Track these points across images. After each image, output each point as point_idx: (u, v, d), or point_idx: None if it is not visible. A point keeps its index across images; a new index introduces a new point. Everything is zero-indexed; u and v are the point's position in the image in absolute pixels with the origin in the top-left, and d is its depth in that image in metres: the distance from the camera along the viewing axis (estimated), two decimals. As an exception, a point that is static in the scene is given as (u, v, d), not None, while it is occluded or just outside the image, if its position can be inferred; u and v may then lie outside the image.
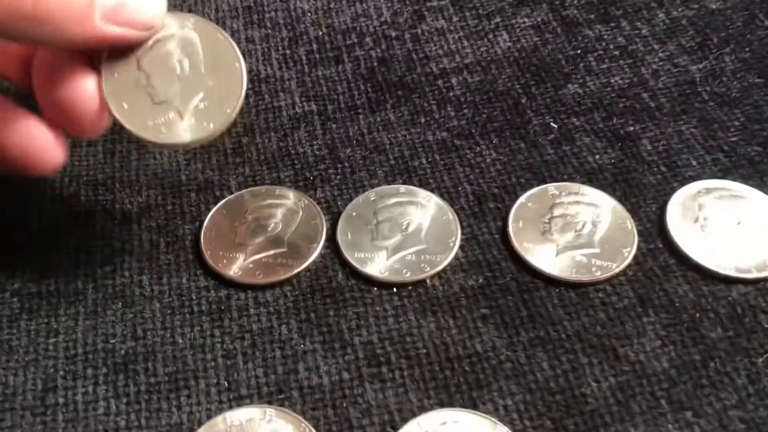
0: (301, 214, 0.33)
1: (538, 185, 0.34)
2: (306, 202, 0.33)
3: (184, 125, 0.27)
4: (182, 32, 0.28)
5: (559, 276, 0.31)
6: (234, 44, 0.28)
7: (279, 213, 0.33)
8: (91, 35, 0.25)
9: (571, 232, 0.32)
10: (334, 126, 0.37)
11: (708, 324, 0.30)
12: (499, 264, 0.32)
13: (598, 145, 0.36)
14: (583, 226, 0.32)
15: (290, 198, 0.33)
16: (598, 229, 0.32)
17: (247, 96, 0.36)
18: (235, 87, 0.27)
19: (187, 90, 0.27)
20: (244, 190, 0.34)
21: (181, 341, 0.30)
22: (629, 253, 0.31)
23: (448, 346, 0.29)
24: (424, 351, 0.29)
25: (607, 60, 0.39)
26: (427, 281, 0.31)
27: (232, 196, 0.34)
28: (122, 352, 0.30)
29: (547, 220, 0.33)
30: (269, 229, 0.33)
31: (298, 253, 0.32)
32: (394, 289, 0.31)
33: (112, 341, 0.30)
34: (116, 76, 0.27)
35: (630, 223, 0.32)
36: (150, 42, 0.27)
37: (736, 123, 0.36)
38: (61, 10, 0.24)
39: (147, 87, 0.27)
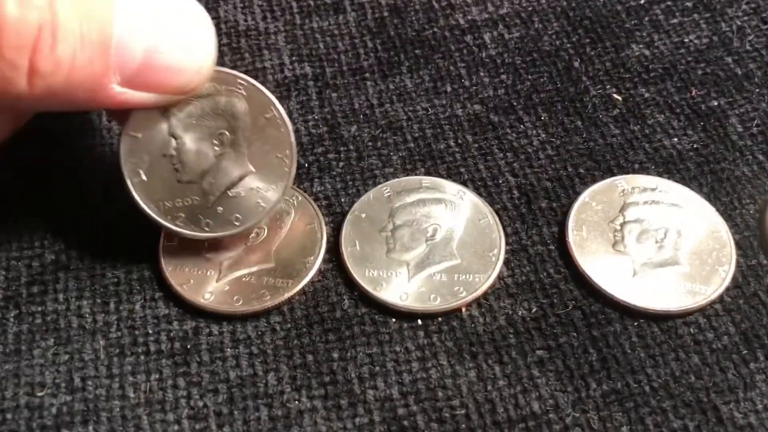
0: (293, 215, 0.25)
1: (602, 177, 0.26)
2: (299, 198, 0.25)
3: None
4: (228, 97, 0.22)
5: (639, 306, 0.23)
6: (289, 124, 0.22)
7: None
8: (107, 103, 0.20)
9: (651, 242, 0.24)
10: (334, 95, 0.29)
11: (835, 372, 0.22)
12: (557, 287, 0.24)
13: (675, 123, 0.28)
14: (666, 234, 0.25)
15: (276, 192, 0.25)
16: (684, 239, 0.25)
17: (221, 55, 0.27)
18: (279, 180, 0.22)
19: (224, 173, 0.22)
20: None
21: (132, 395, 0.22)
22: (727, 273, 0.24)
23: (494, 405, 0.22)
24: (463, 412, 0.22)
25: (678, 13, 0.31)
26: (463, 311, 0.24)
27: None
28: (53, 410, 0.22)
29: (618, 227, 0.25)
30: (250, 236, 0.24)
31: (290, 269, 0.24)
32: (419, 322, 0.23)
33: (40, 394, 0.22)
34: (139, 135, 0.22)
35: (725, 232, 0.25)
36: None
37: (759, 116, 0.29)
38: (64, 84, 0.19)
39: (174, 159, 0.22)
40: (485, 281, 0.24)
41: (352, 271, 0.24)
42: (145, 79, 0.20)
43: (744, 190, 0.26)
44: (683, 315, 0.23)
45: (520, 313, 0.23)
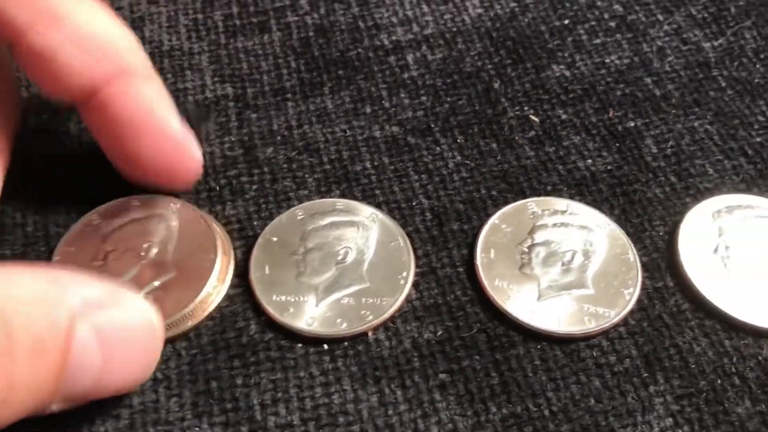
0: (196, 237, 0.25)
1: (514, 199, 0.26)
2: (203, 222, 0.25)
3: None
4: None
5: (542, 329, 0.24)
6: (218, 238, 0.25)
7: (159, 233, 0.25)
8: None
9: (557, 265, 0.25)
10: (253, 116, 0.29)
11: (733, 394, 0.23)
12: (463, 309, 0.24)
13: (590, 145, 0.28)
14: (573, 257, 0.25)
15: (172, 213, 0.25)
16: (591, 261, 0.25)
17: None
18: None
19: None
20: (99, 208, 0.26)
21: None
22: (632, 296, 0.24)
23: (394, 430, 0.22)
24: (362, 438, 0.22)
25: (601, 33, 0.32)
26: (369, 335, 0.24)
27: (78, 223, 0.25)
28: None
29: (526, 249, 0.25)
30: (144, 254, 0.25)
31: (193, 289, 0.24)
32: (325, 346, 0.23)
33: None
34: (72, 249, 0.25)
35: (632, 254, 0.25)
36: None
37: (761, 118, 0.29)
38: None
39: (103, 263, 0.24)
40: (393, 304, 0.24)
41: (260, 297, 0.24)
42: (89, 397, 0.20)
43: (655, 212, 0.26)
44: (586, 338, 0.24)
45: (425, 336, 0.24)
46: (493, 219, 0.26)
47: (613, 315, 0.24)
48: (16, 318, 0.17)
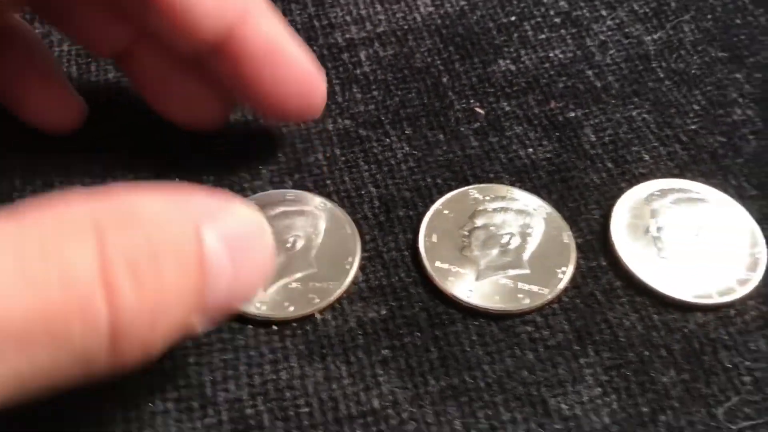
0: None
1: (457, 187, 0.28)
2: None
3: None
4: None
5: (480, 305, 0.25)
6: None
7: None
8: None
9: (496, 247, 0.26)
10: (212, 113, 0.30)
11: (659, 365, 0.24)
12: (407, 290, 0.26)
13: (531, 135, 0.29)
14: (510, 239, 0.26)
15: None
16: (528, 243, 0.26)
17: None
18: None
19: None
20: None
21: None
22: (565, 275, 0.26)
23: (337, 402, 0.23)
24: (307, 410, 0.23)
25: (546, 29, 0.33)
26: (317, 315, 0.25)
27: None
28: None
29: (467, 233, 0.26)
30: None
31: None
32: (274, 327, 0.25)
33: None
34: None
35: (567, 236, 0.26)
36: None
37: (696, 107, 0.30)
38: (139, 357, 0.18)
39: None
40: (338, 288, 0.25)
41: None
42: (223, 308, 0.20)
43: (591, 196, 0.28)
44: (522, 314, 0.25)
45: (370, 316, 0.25)
46: (437, 205, 0.27)
47: (547, 293, 0.25)
48: (155, 232, 0.17)
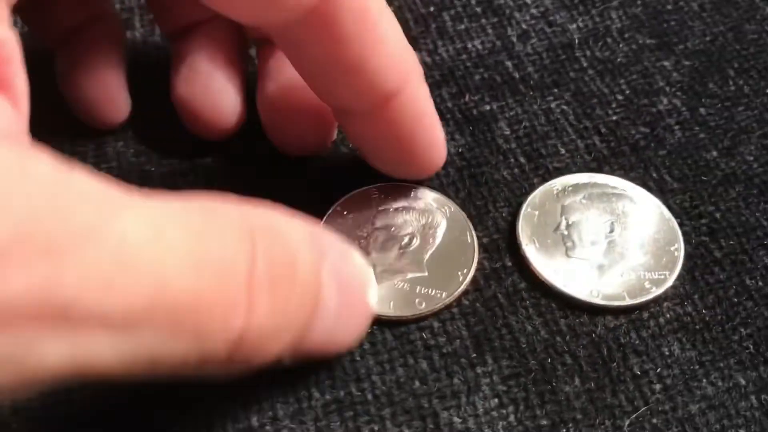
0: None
1: (359, 187, 0.26)
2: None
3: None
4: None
5: (374, 312, 0.23)
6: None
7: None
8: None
9: (394, 249, 0.24)
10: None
11: (563, 373, 0.22)
12: (295, 296, 0.24)
13: (444, 130, 0.28)
14: (411, 240, 0.25)
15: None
16: (429, 244, 0.25)
17: None
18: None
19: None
20: None
21: None
22: (465, 277, 0.24)
23: (212, 419, 0.22)
24: (177, 429, 0.21)
25: (466, 19, 0.31)
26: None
27: None
28: None
29: (365, 235, 0.25)
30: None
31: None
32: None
33: None
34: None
35: (470, 235, 0.25)
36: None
37: (620, 97, 0.29)
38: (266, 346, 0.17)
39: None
40: None
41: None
42: (314, 352, 0.19)
43: (500, 193, 0.26)
44: (418, 320, 0.23)
45: (253, 325, 0.23)
46: (335, 206, 0.25)
47: (445, 296, 0.23)
48: (295, 256, 0.17)
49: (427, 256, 0.24)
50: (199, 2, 0.20)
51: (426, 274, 0.24)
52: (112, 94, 0.27)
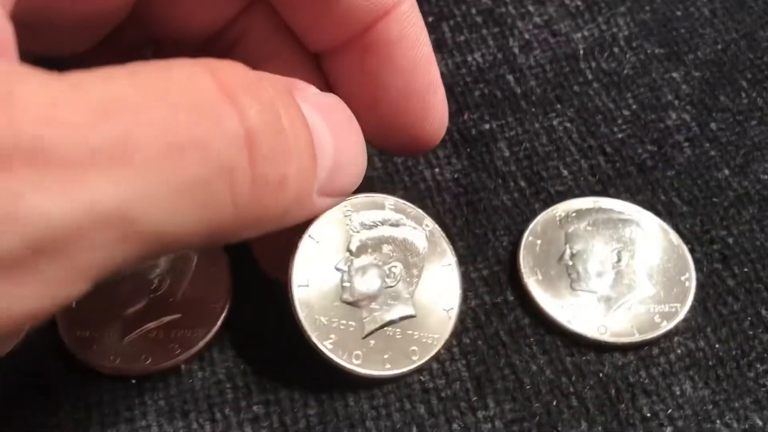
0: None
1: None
2: None
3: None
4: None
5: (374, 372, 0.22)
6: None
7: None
8: (301, 217, 0.18)
9: (378, 283, 0.23)
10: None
11: (568, 416, 0.21)
12: (285, 336, 0.23)
13: (440, 153, 0.26)
14: (399, 274, 0.23)
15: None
16: (417, 278, 0.23)
17: None
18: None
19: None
20: None
21: None
22: (452, 316, 0.22)
23: (197, 470, 0.21)
24: (160, 481, 0.20)
25: (466, 30, 0.30)
26: (182, 367, 0.22)
27: None
28: None
29: (345, 267, 0.23)
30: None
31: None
32: (133, 381, 0.22)
33: None
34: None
35: (455, 268, 0.23)
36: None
37: (626, 112, 0.27)
38: (277, 207, 0.17)
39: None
40: (204, 336, 0.22)
41: (62, 332, 0.22)
42: (333, 183, 0.19)
43: (500, 221, 0.25)
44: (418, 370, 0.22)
45: (241, 367, 0.22)
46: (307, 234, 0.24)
47: (436, 337, 0.22)
48: (258, 79, 0.16)
49: (415, 290, 0.22)
50: None
51: (413, 313, 0.22)
52: None
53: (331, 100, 0.20)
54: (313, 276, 0.21)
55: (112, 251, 0.13)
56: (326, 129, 0.18)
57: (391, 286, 0.22)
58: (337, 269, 0.22)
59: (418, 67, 0.21)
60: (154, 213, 0.14)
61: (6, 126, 0.12)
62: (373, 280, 0.22)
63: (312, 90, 0.19)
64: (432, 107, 0.22)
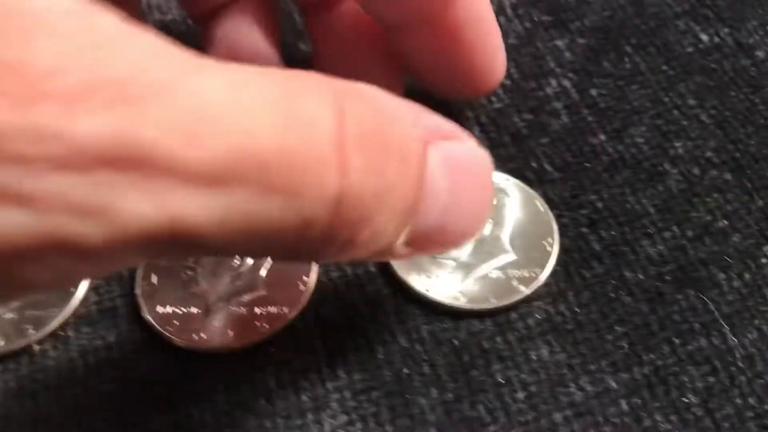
0: None
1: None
2: None
3: None
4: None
5: (211, 347, 0.22)
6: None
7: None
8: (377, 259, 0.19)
9: (226, 275, 0.23)
10: None
11: (419, 383, 0.21)
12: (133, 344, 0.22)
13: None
14: (242, 260, 0.23)
15: None
16: (263, 260, 0.23)
17: None
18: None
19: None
20: None
21: None
22: (307, 287, 0.22)
23: (40, 449, 0.20)
24: (0, 463, 0.20)
25: None
26: (35, 347, 0.22)
27: None
28: None
29: (191, 265, 0.23)
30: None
31: None
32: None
33: None
34: None
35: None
36: None
37: (507, 82, 0.27)
38: (344, 256, 0.16)
39: None
40: (58, 315, 0.22)
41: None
42: (429, 242, 0.18)
43: (369, 191, 0.25)
44: (260, 345, 0.22)
45: (94, 344, 0.22)
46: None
47: (288, 311, 0.22)
48: (389, 122, 0.16)
49: (264, 272, 0.23)
50: None
51: (265, 292, 0.22)
52: None
53: (471, 156, 0.18)
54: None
55: (157, 255, 0.14)
56: (446, 189, 0.17)
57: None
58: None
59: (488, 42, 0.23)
60: (218, 238, 0.14)
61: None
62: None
63: (454, 143, 0.18)
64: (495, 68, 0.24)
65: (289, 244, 0.15)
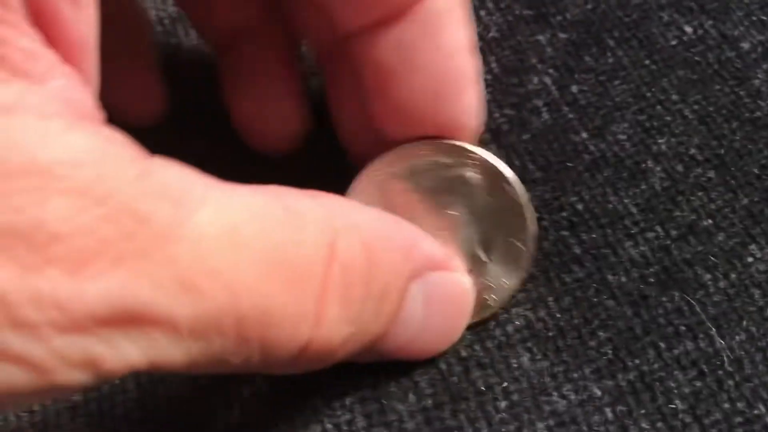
0: None
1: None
2: None
3: None
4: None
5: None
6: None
7: None
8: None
9: None
10: None
11: (396, 390, 0.21)
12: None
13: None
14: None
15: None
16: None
17: None
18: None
19: None
20: None
21: None
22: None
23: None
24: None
25: None
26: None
27: None
28: None
29: None
30: None
31: None
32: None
33: None
34: None
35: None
36: None
37: (488, 77, 0.26)
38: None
39: None
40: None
41: None
42: (397, 354, 0.19)
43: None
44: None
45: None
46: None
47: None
48: (376, 263, 0.17)
49: None
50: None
51: None
52: (285, 111, 0.24)
53: (454, 287, 0.20)
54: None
55: None
56: (421, 316, 0.19)
57: None
58: None
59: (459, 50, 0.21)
60: (186, 370, 0.15)
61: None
62: None
63: (441, 274, 0.19)
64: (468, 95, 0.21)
65: (252, 369, 0.16)
